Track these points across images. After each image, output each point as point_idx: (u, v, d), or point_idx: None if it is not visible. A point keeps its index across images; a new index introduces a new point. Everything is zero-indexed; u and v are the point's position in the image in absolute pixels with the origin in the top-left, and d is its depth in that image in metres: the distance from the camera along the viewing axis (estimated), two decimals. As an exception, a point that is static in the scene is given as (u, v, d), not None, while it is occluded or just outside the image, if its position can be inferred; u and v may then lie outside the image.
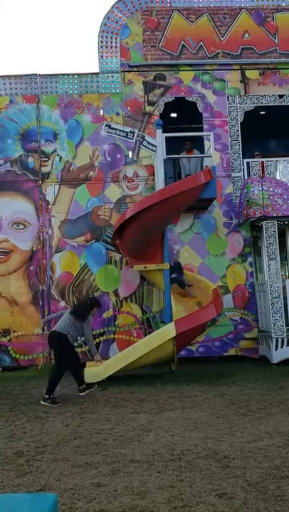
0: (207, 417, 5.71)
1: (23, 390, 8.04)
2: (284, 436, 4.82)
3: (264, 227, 10.04)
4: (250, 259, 10.98)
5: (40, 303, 10.62)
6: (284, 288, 9.93)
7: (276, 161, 11.15)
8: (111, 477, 3.86)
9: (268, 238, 9.98)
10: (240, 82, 11.33)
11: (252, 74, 11.34)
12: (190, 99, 11.32)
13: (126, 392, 7.45)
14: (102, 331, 10.54)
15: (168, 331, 8.12)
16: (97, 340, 10.44)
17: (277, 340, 9.49)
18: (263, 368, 9.21)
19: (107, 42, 11.36)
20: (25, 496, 2.06)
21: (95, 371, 7.86)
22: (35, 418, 5.99)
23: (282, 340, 9.48)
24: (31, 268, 10.77)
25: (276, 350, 9.42)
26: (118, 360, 8.06)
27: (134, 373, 8.67)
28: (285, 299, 9.84)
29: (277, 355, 9.40)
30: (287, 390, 7.08)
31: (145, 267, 9.29)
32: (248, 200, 10.10)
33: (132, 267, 9.71)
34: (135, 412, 6.09)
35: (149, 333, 9.92)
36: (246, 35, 11.30)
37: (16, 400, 7.28)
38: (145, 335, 10.05)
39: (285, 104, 11.34)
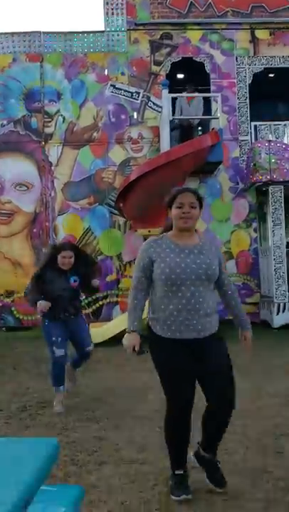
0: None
1: (27, 349, 8.14)
2: (283, 396, 4.87)
3: (270, 192, 9.92)
4: (254, 224, 10.91)
5: (44, 265, 10.62)
6: (288, 254, 9.89)
7: (284, 124, 10.94)
8: (113, 431, 3.92)
9: (273, 203, 9.88)
10: (250, 42, 11.00)
11: (262, 34, 11.00)
12: (197, 60, 11.02)
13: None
14: (105, 294, 10.58)
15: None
16: (100, 303, 10.50)
17: (279, 305, 9.52)
18: (264, 332, 9.26)
19: (113, -2, 10.99)
20: (26, 440, 2.08)
21: (98, 331, 7.92)
22: (37, 375, 6.07)
23: (284, 305, 9.51)
24: (34, 230, 10.75)
25: (277, 314, 9.47)
26: (121, 321, 8.12)
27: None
28: (288, 264, 9.82)
29: (279, 320, 9.45)
30: (288, 353, 7.13)
31: (149, 231, 9.22)
32: (254, 165, 9.95)
33: (136, 231, 9.66)
34: (137, 370, 6.15)
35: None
36: (257, -8, 10.89)
37: (19, 358, 7.37)
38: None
39: (295, 65, 11.04)
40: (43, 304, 4.42)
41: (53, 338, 4.59)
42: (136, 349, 2.70)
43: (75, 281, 4.69)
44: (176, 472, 2.82)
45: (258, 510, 2.63)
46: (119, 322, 8.17)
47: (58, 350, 4.58)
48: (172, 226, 2.80)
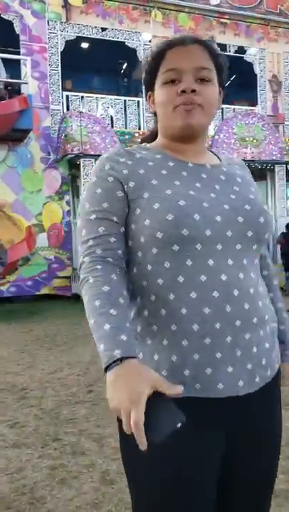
0: (10, 353, 5.49)
1: None
2: (84, 365, 4.82)
3: (82, 165, 9.81)
4: (67, 197, 10.72)
5: None
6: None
7: (97, 98, 10.91)
8: None
9: (85, 176, 9.80)
10: (62, 7, 10.60)
11: (75, 0, 10.69)
12: (6, 17, 10.27)
13: None
14: None
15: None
16: None
17: (89, 277, 9.54)
18: (75, 305, 9.21)
19: None
20: None
21: None
22: None
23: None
24: None
25: (88, 287, 9.48)
26: None
27: None
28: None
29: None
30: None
31: None
32: (65, 136, 9.71)
33: None
34: None
35: None
36: None
37: None
38: None
39: (107, 38, 11.01)
40: None
41: None
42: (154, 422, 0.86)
43: None
44: None
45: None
46: None
47: None
48: (157, 135, 1.26)
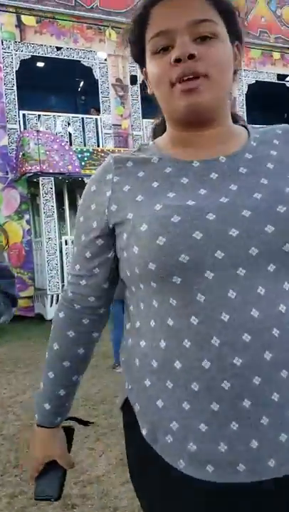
0: None
1: None
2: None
3: (41, 183, 9.75)
4: (27, 216, 10.60)
5: None
6: (60, 245, 9.87)
7: (54, 116, 10.89)
8: None
9: (44, 195, 9.75)
10: (16, 26, 10.59)
11: (28, 20, 10.68)
12: None
13: None
14: None
15: None
16: None
17: (52, 296, 9.43)
18: (38, 326, 9.06)
19: None
20: None
21: None
22: None
23: (58, 296, 9.46)
24: None
25: (51, 306, 9.37)
26: None
27: None
28: (61, 256, 9.81)
29: (52, 312, 9.34)
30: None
31: None
32: (23, 154, 9.64)
33: None
34: None
35: None
36: (22, -24, 10.55)
37: None
38: None
39: (63, 57, 11.05)
40: None
41: None
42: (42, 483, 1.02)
43: None
44: None
45: None
46: None
47: None
48: (166, 124, 0.95)
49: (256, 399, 0.76)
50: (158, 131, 1.00)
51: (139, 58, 0.91)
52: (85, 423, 1.12)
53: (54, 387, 0.99)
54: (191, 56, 0.79)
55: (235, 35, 0.87)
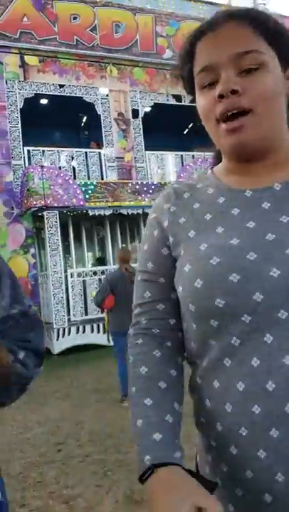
0: (-24, 415, 5.24)
1: None
2: (53, 422, 4.64)
3: (45, 217, 9.83)
4: (32, 250, 10.65)
5: None
6: (66, 278, 9.87)
7: (58, 151, 11.08)
8: None
9: (49, 229, 9.81)
10: (20, 67, 10.89)
11: (31, 60, 10.99)
12: None
13: None
14: None
15: None
16: None
17: (58, 330, 9.37)
18: (45, 360, 8.92)
19: None
20: None
21: None
22: None
23: (64, 330, 9.40)
24: None
25: (58, 340, 9.29)
26: None
27: None
28: (66, 289, 9.79)
29: (58, 346, 9.27)
30: (64, 379, 6.96)
31: None
32: (28, 189, 9.76)
33: None
34: None
35: None
36: (25, 18, 10.90)
37: None
38: None
39: (65, 94, 11.30)
40: None
41: None
42: None
43: None
44: None
45: None
46: None
47: None
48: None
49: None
50: (218, 158, 0.97)
51: (190, 91, 0.90)
52: (210, 484, 0.70)
53: (158, 413, 0.78)
54: (234, 92, 0.77)
55: (284, 61, 0.82)
